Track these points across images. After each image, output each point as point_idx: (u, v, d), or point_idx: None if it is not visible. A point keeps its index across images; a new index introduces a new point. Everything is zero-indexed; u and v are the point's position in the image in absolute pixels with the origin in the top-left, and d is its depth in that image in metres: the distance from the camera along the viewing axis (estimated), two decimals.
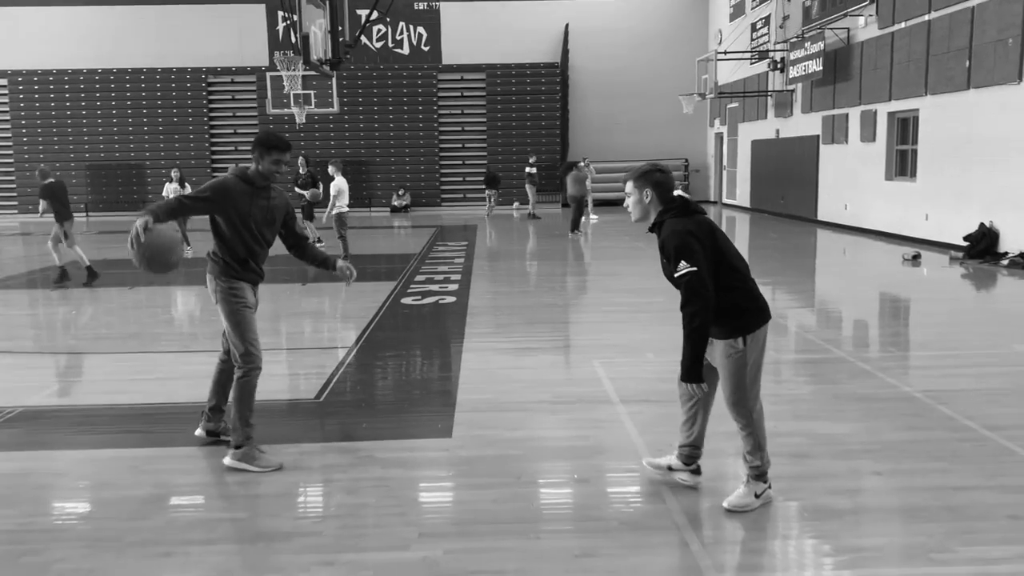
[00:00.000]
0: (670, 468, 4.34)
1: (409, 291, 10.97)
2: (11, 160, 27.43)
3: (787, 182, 21.73)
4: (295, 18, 13.37)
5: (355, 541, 3.78)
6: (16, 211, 27.43)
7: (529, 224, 21.91)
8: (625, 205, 4.04)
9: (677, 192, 4.01)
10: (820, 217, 19.97)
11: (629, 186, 3.98)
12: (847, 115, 18.17)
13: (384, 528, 3.90)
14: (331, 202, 12.86)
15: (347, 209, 13.00)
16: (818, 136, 19.79)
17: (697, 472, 4.31)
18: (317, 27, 13.28)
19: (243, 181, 4.66)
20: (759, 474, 4.03)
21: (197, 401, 4.69)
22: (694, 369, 3.82)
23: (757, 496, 4.02)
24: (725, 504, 4.00)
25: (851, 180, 18.25)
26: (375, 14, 15.24)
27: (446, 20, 27.18)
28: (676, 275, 3.79)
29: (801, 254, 15.37)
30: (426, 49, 27.34)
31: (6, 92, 27.20)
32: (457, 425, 5.38)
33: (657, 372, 6.58)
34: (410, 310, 9.74)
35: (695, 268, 3.73)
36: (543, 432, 5.22)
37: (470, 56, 27.38)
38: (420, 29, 27.21)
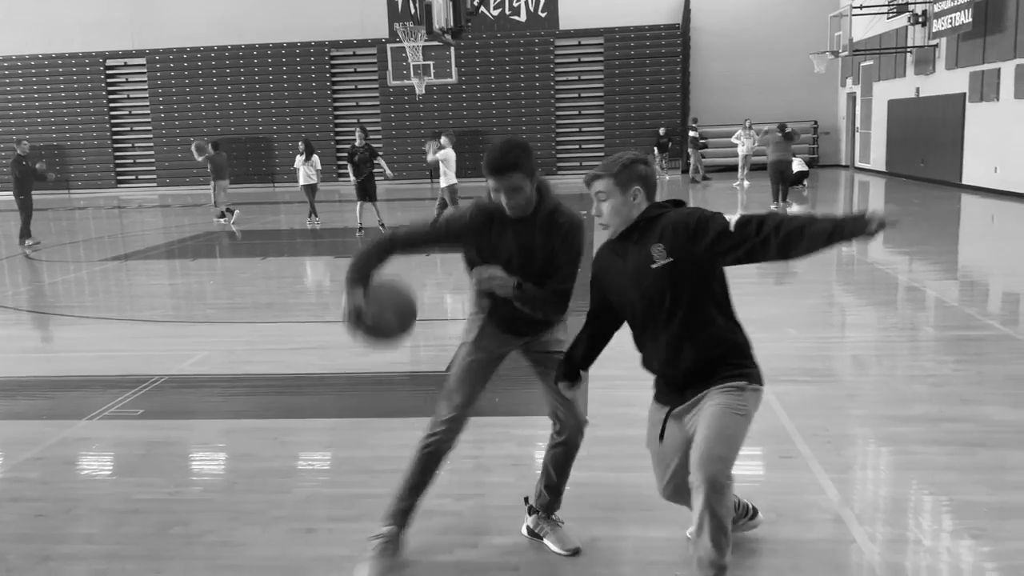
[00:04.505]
0: None
1: None
2: (150, 135, 28.85)
3: (928, 144, 20.32)
4: None
5: (491, 523, 3.66)
6: (155, 184, 28.89)
7: (690, 188, 21.57)
8: (596, 212, 2.92)
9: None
10: (965, 181, 18.59)
11: (606, 184, 2.87)
12: (999, 70, 16.74)
13: (517, 508, 3.76)
14: (441, 173, 12.73)
15: (455, 181, 12.82)
16: (964, 94, 18.36)
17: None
18: None
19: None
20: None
21: (332, 372, 4.67)
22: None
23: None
24: None
25: (1003, 141, 16.85)
26: None
27: None
28: (731, 228, 2.68)
29: (947, 221, 14.32)
30: (543, 15, 26.88)
31: (145, 71, 28.55)
32: (590, 402, 5.19)
33: (801, 349, 6.20)
34: None
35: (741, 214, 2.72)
36: None
37: (588, 20, 26.81)
38: None
